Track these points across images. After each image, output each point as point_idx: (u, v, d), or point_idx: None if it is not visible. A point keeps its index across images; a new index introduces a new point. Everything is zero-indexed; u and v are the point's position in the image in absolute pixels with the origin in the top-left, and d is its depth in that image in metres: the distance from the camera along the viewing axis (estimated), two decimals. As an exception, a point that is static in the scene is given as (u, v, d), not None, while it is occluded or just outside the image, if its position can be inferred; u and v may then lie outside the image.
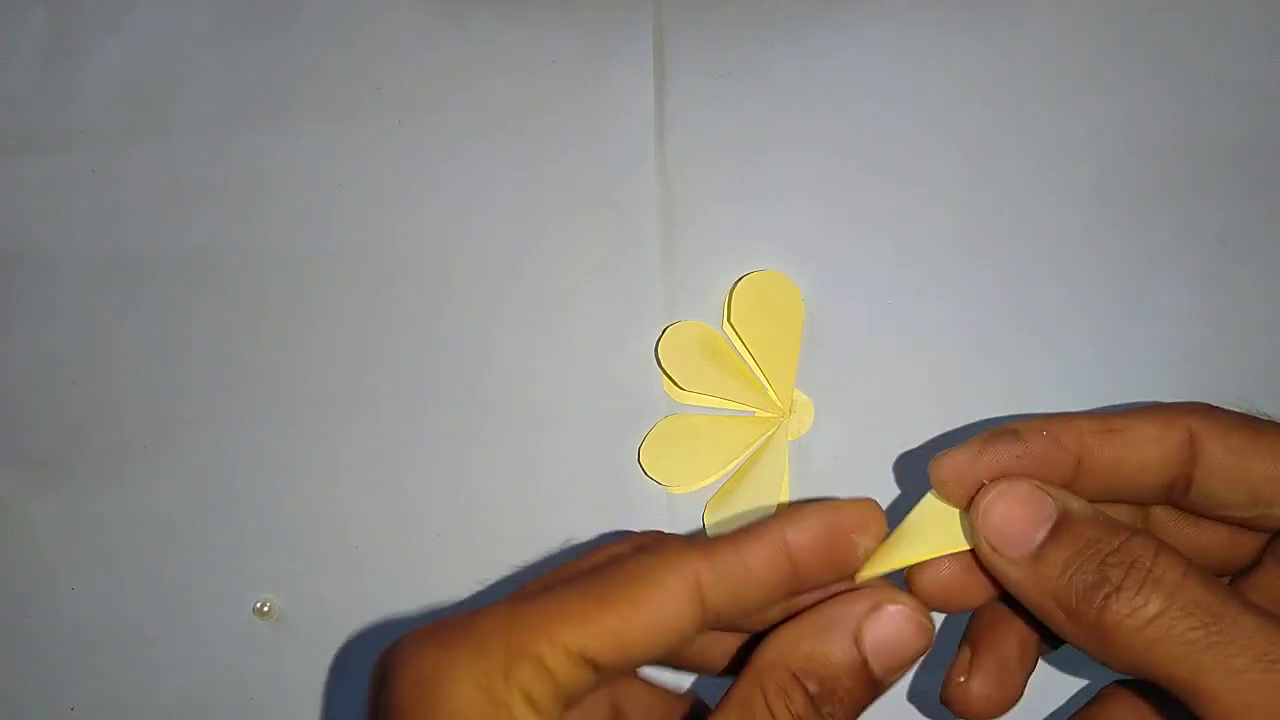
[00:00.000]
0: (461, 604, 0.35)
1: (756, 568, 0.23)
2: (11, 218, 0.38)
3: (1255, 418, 0.25)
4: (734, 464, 0.35)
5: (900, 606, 0.23)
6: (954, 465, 0.25)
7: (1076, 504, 0.24)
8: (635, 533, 0.26)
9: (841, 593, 0.24)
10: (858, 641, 0.23)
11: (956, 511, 0.25)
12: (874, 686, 0.23)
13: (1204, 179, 0.36)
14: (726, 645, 0.26)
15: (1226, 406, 0.25)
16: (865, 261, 0.36)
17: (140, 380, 0.37)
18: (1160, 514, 0.27)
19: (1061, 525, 0.23)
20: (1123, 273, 0.35)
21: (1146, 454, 0.25)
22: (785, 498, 0.35)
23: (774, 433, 0.35)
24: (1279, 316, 0.35)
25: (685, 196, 0.37)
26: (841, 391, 0.35)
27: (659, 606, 0.22)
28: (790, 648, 0.23)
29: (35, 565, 0.36)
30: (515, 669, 0.21)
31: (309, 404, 0.36)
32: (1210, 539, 0.27)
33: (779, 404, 0.35)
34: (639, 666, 0.23)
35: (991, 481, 0.24)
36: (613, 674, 0.22)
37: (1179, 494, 0.25)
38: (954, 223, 0.36)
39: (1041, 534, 0.23)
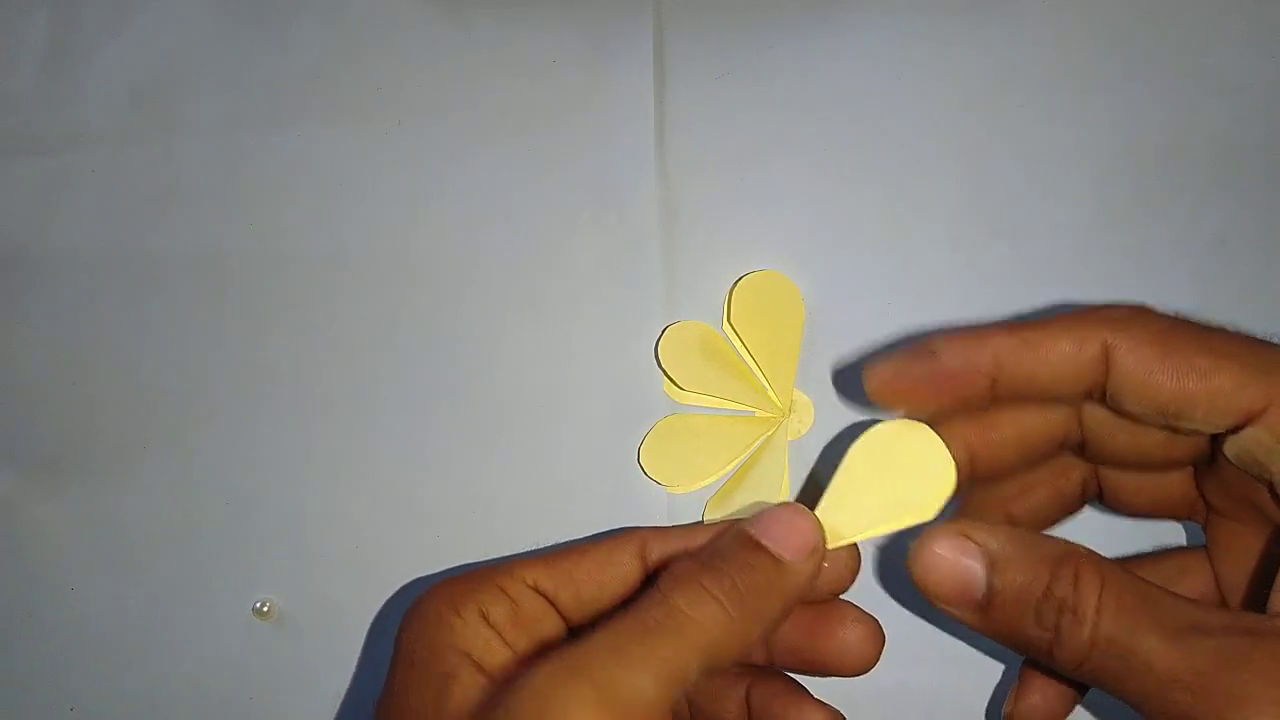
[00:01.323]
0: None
1: (700, 541, 0.26)
2: (13, 218, 0.38)
3: (1177, 326, 0.25)
4: (734, 464, 0.35)
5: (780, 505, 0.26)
6: (879, 378, 0.27)
7: (997, 542, 0.25)
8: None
9: None
10: (744, 530, 0.25)
11: (883, 478, 0.28)
12: (771, 559, 0.25)
13: (1202, 180, 0.36)
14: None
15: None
16: (865, 261, 0.36)
17: (141, 381, 0.37)
18: (1093, 413, 0.28)
19: (993, 571, 0.25)
20: (1121, 273, 0.36)
21: (1060, 368, 0.26)
22: (785, 497, 0.35)
23: (774, 433, 0.35)
24: (1276, 315, 0.35)
25: (685, 197, 0.37)
26: (841, 391, 0.35)
27: (605, 554, 0.27)
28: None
29: (36, 565, 0.36)
30: (477, 590, 0.26)
31: (309, 404, 0.36)
32: (1147, 439, 0.27)
33: (779, 404, 0.35)
34: (594, 612, 0.27)
35: (918, 541, 0.25)
36: (572, 613, 0.26)
37: (1096, 399, 0.26)
38: (953, 223, 0.36)
39: (980, 586, 0.25)
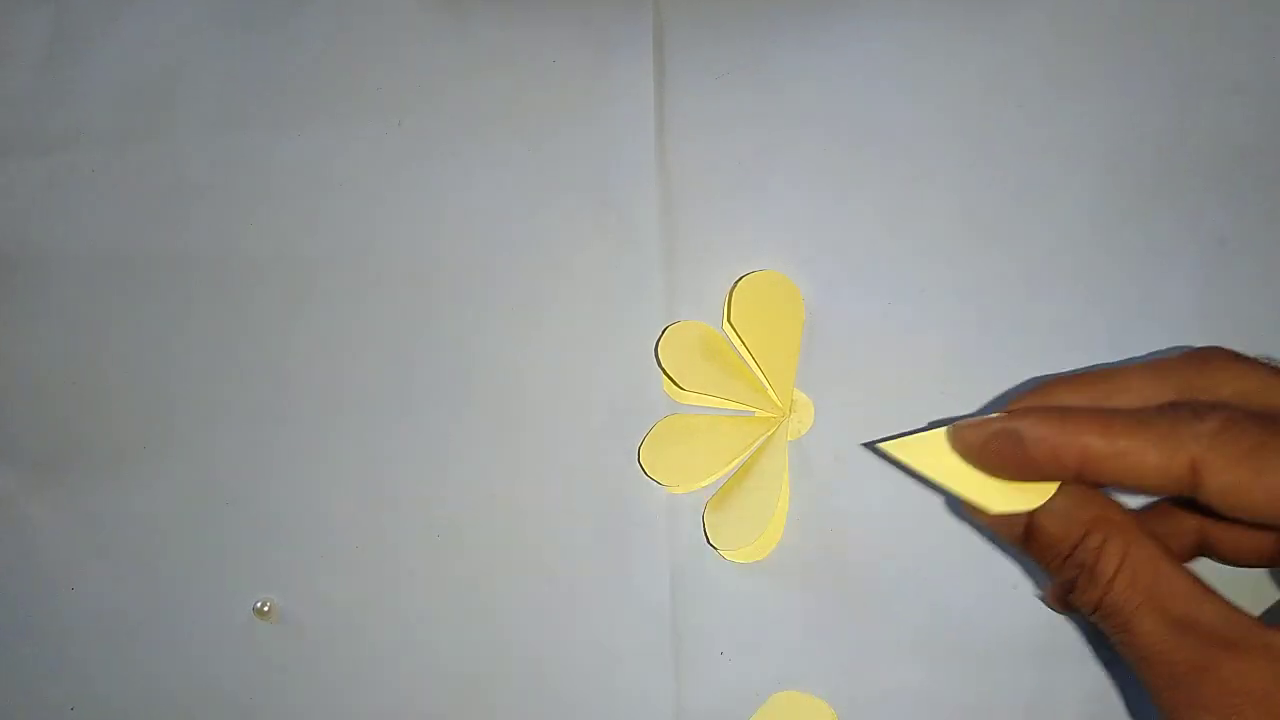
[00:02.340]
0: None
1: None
2: (12, 218, 0.38)
3: (1270, 439, 0.25)
4: (734, 464, 0.35)
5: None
6: (964, 443, 0.28)
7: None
8: None
9: None
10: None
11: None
12: None
13: (1201, 180, 0.36)
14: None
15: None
16: (865, 261, 0.36)
17: (140, 380, 0.37)
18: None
19: (1035, 513, 0.28)
20: (1122, 272, 0.36)
21: (1147, 478, 0.26)
22: (785, 498, 0.35)
23: (774, 433, 0.35)
24: (1276, 314, 0.35)
25: (685, 196, 0.37)
26: (841, 391, 0.35)
27: None
28: None
29: (35, 565, 0.36)
30: None
31: (309, 404, 0.36)
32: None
33: (779, 404, 0.35)
34: None
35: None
36: None
37: (1183, 496, 0.26)
38: (954, 223, 0.36)
39: (1021, 523, 0.29)
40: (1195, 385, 0.27)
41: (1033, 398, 0.29)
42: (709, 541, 0.34)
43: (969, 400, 0.35)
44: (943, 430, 0.29)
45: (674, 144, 0.37)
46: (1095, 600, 0.27)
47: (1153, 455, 0.26)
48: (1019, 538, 0.29)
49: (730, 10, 0.38)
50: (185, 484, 0.36)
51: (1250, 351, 0.35)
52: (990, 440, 0.27)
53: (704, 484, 0.35)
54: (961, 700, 0.34)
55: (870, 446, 0.29)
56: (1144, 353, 0.35)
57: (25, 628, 0.36)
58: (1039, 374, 0.35)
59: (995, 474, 0.28)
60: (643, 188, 0.37)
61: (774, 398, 0.35)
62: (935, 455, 0.29)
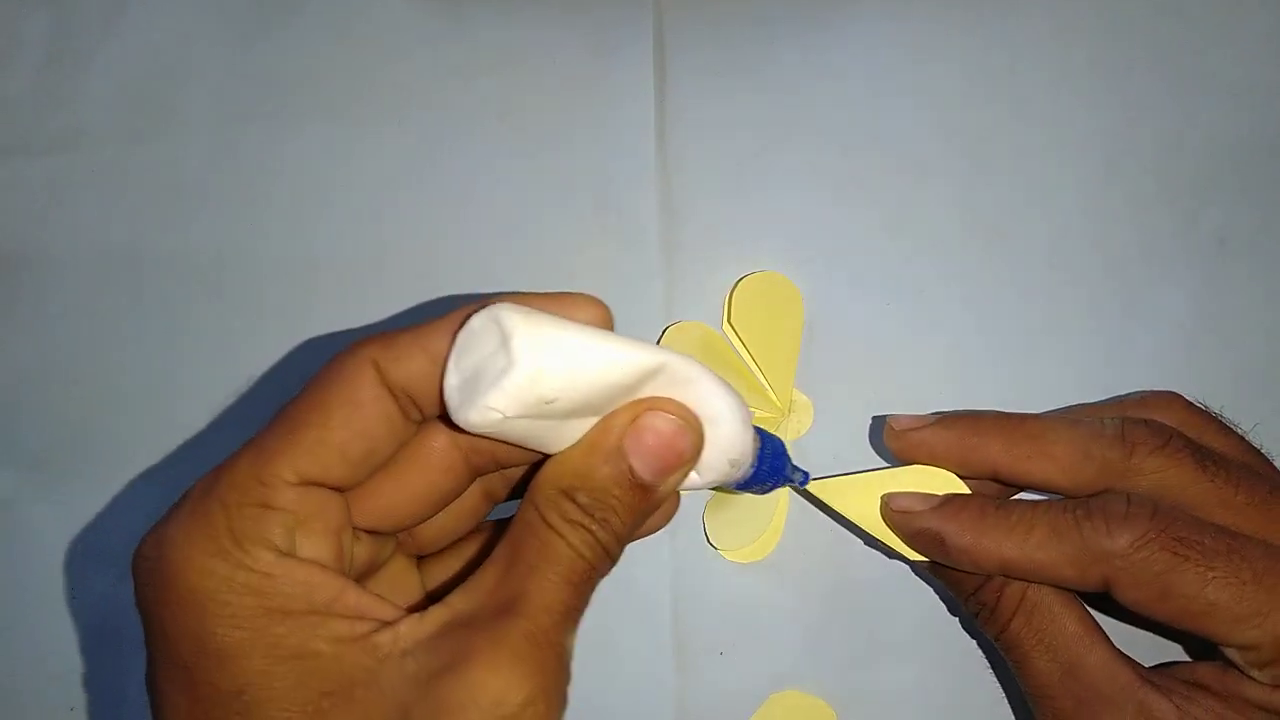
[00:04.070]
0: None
1: (434, 347, 0.22)
2: (13, 218, 0.38)
3: (1178, 565, 0.26)
4: (734, 464, 0.35)
5: (657, 414, 0.23)
6: (895, 529, 0.31)
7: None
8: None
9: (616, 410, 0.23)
10: (622, 455, 0.23)
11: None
12: (647, 491, 0.23)
13: (1202, 179, 0.36)
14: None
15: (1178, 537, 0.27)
16: (865, 261, 0.36)
17: (141, 380, 0.37)
18: None
19: (945, 551, 0.29)
20: (1121, 272, 0.36)
21: (1061, 584, 0.28)
22: (785, 498, 0.35)
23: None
24: (1275, 315, 0.35)
25: (685, 196, 0.37)
26: (841, 391, 0.35)
27: (346, 397, 0.22)
28: (560, 468, 0.23)
29: (35, 565, 0.36)
30: (241, 527, 0.21)
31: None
32: None
33: (779, 404, 0.35)
34: (370, 468, 0.23)
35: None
36: (351, 484, 0.22)
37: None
38: (954, 223, 0.36)
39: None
40: (1118, 469, 0.28)
41: (962, 429, 0.30)
42: (709, 541, 0.34)
43: (967, 401, 0.35)
44: (871, 476, 0.31)
45: (674, 144, 0.37)
46: (994, 635, 0.29)
47: (1066, 570, 0.28)
48: (927, 567, 0.31)
49: (731, 11, 0.38)
50: (185, 484, 0.36)
51: (1249, 353, 0.35)
52: (916, 535, 0.30)
53: (704, 484, 0.35)
54: (961, 700, 0.34)
55: (789, 483, 0.30)
56: (1142, 348, 0.35)
57: (25, 628, 0.36)
58: (1037, 374, 0.35)
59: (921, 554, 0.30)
60: (643, 188, 0.37)
61: (773, 398, 0.35)
62: (860, 500, 0.31)
